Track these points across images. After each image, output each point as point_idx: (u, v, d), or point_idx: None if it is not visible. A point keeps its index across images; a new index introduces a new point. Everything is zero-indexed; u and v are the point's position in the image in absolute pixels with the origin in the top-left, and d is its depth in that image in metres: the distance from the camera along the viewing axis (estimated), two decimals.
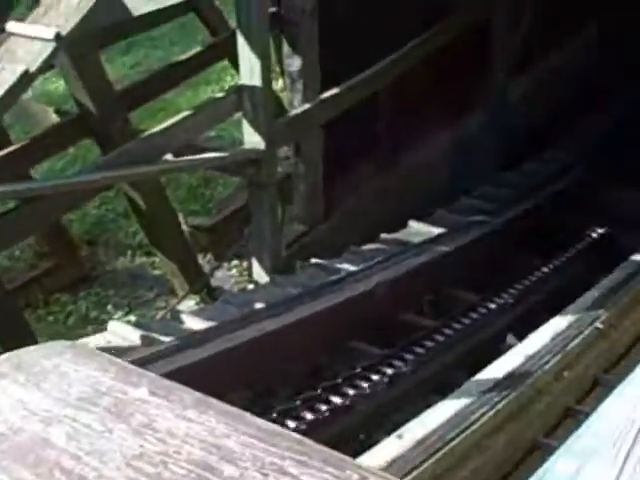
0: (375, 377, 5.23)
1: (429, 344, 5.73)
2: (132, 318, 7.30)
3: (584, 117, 10.67)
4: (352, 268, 6.42)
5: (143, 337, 5.27)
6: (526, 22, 9.28)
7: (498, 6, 8.83)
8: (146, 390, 1.22)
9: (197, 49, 8.19)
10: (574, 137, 10.33)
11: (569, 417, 4.89)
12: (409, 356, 5.53)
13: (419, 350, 5.63)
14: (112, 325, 5.55)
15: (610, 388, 4.26)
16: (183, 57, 8.11)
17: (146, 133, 6.00)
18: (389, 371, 5.31)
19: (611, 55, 11.50)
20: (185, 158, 6.13)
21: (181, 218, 8.11)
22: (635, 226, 8.12)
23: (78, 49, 6.18)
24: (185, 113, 6.17)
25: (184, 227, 7.88)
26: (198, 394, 1.23)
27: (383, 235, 7.36)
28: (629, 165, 9.75)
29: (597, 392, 5.12)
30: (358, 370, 5.24)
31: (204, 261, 7.97)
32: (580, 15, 10.88)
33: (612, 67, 11.50)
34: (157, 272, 8.02)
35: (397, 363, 5.43)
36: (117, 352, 4.95)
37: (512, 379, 4.84)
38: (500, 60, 9.01)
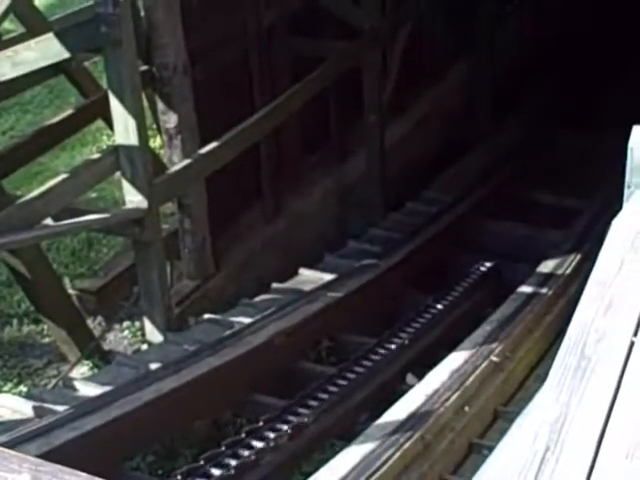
0: (278, 429, 5.16)
1: (330, 391, 5.69)
2: (23, 389, 7.05)
3: (462, 156, 10.90)
4: (247, 320, 6.35)
5: (35, 408, 5.07)
6: (395, 69, 9.42)
7: (366, 55, 8.95)
8: (28, 477, 1.13)
9: (69, 111, 8.03)
10: (453, 175, 10.54)
11: (474, 452, 4.91)
12: (311, 405, 5.48)
13: (320, 398, 5.58)
14: (1, 398, 5.34)
15: (510, 420, 4.29)
16: (55, 120, 7.94)
17: (23, 199, 5.83)
18: (292, 422, 5.25)
19: (483, 93, 11.82)
20: (66, 222, 5.97)
21: (67, 282, 7.90)
22: (516, 256, 8.30)
23: None
24: (62, 176, 6.01)
25: (70, 291, 7.67)
26: (85, 475, 1.14)
27: (275, 285, 7.32)
28: (506, 198, 10.00)
29: (498, 424, 5.17)
30: (261, 423, 5.16)
31: (94, 325, 7.76)
32: (450, 58, 11.14)
33: (485, 104, 11.82)
34: (46, 340, 7.77)
35: (299, 413, 5.37)
36: (8, 426, 4.75)
37: (415, 419, 4.84)
38: (372, 107, 9.13)
